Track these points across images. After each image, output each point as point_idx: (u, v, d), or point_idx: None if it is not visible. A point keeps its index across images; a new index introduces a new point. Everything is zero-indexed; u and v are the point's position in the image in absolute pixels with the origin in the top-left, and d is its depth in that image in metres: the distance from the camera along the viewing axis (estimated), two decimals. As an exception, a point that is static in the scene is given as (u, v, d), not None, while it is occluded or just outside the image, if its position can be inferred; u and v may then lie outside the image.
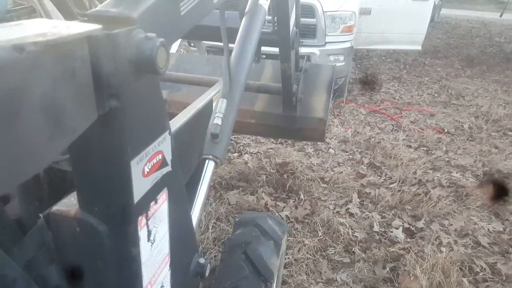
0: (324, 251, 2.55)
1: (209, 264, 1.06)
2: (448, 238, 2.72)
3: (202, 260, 1.04)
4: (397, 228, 2.79)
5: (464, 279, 2.31)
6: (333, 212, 2.92)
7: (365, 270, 2.40)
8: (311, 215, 2.88)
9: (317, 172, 3.48)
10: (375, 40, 5.74)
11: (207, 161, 1.15)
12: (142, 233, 0.78)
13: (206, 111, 1.46)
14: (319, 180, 3.34)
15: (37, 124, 0.48)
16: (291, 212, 2.88)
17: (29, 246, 0.83)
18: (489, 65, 7.38)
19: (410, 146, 4.08)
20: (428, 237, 2.71)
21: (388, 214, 2.95)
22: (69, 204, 0.77)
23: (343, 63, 4.68)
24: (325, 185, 3.28)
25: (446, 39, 9.69)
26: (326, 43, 4.56)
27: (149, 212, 0.79)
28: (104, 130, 0.64)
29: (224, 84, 1.26)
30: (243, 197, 2.99)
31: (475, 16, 13.31)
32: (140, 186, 0.73)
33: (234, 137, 4.01)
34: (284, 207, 2.95)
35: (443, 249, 2.57)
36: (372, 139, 4.18)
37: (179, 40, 4.94)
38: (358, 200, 3.11)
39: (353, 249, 2.57)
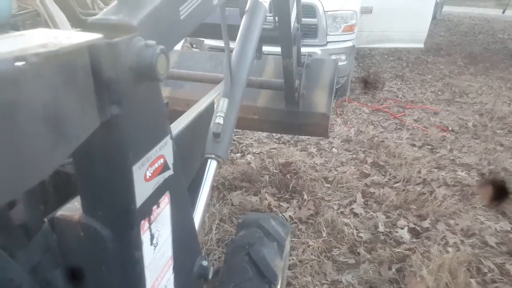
0: (328, 252, 2.52)
1: (212, 267, 1.04)
2: (454, 238, 2.68)
3: (205, 263, 1.03)
4: (402, 228, 2.76)
5: (472, 280, 2.27)
6: (337, 213, 2.90)
7: (370, 271, 2.37)
8: (315, 216, 2.85)
9: (321, 172, 3.46)
10: (377, 39, 5.71)
11: (209, 160, 1.14)
12: (145, 237, 0.78)
13: (208, 112, 1.45)
14: (322, 180, 3.31)
15: (39, 133, 0.49)
16: (295, 212, 2.86)
17: (34, 250, 0.84)
18: (492, 62, 7.33)
19: (414, 145, 4.05)
20: (434, 237, 2.67)
21: (393, 214, 2.92)
22: (73, 208, 0.78)
23: (345, 62, 4.66)
24: (329, 185, 3.26)
25: (449, 37, 9.64)
26: (327, 42, 4.53)
27: (151, 216, 0.79)
28: (106, 136, 0.65)
29: (225, 83, 1.25)
30: (246, 198, 2.97)
31: (477, 13, 13.24)
32: (142, 190, 0.74)
33: (237, 137, 3.99)
34: (288, 207, 2.92)
35: (450, 249, 2.54)
36: (376, 138, 4.15)
37: (182, 41, 4.95)
38: (362, 200, 3.08)
39: (358, 250, 2.54)
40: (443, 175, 3.43)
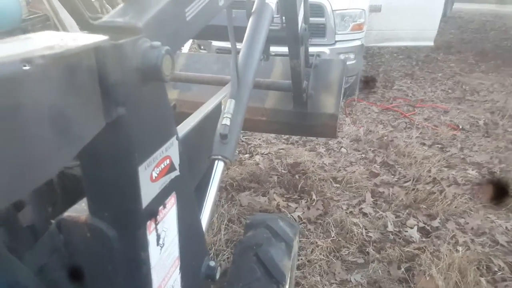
0: (337, 252, 2.52)
1: (219, 267, 1.05)
2: (464, 237, 2.66)
3: (212, 263, 1.04)
4: (411, 228, 2.75)
5: (482, 279, 2.25)
6: (346, 212, 2.89)
7: (379, 271, 2.37)
8: (324, 216, 2.85)
9: (329, 172, 3.45)
10: (386, 37, 5.67)
11: (216, 161, 1.16)
12: (151, 238, 0.78)
13: (215, 114, 1.47)
14: (331, 180, 3.31)
15: (45, 134, 0.49)
16: (303, 212, 2.86)
17: (41, 252, 0.85)
18: (504, 59, 7.20)
19: (424, 144, 4.02)
20: (444, 236, 2.66)
21: (403, 214, 2.90)
22: (79, 210, 0.78)
23: (354, 61, 4.64)
24: (338, 185, 3.25)
25: (459, 34, 9.51)
26: (336, 41, 4.52)
27: (157, 216, 0.79)
28: (112, 137, 0.65)
29: (232, 84, 1.26)
30: (254, 198, 2.99)
31: (489, 9, 13.02)
32: (148, 191, 0.74)
33: (245, 138, 4.01)
34: (296, 207, 2.93)
35: (460, 248, 2.52)
36: (385, 138, 4.12)
37: (190, 42, 4.98)
38: (372, 199, 3.07)
39: (367, 250, 2.54)
40: (453, 174, 3.40)
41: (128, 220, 0.74)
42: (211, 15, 1.03)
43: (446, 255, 2.40)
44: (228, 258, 2.40)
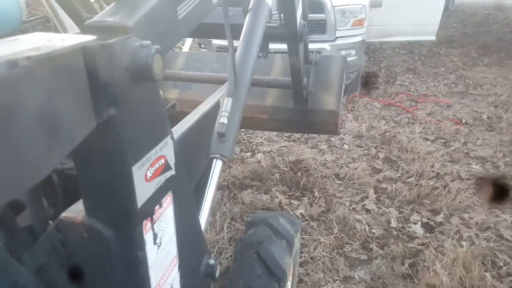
0: (340, 249, 2.51)
1: (219, 265, 1.05)
2: (469, 232, 2.64)
3: (212, 261, 1.04)
4: (415, 223, 2.74)
5: (487, 274, 2.24)
6: (349, 209, 2.88)
7: (383, 267, 2.36)
8: (327, 213, 2.84)
9: (332, 168, 3.44)
10: (388, 33, 5.64)
11: (214, 160, 1.15)
12: (148, 237, 0.78)
13: (213, 112, 1.46)
14: (333, 176, 3.30)
15: (34, 136, 0.49)
16: (306, 210, 2.86)
17: (39, 252, 0.85)
18: (507, 52, 7.14)
19: (427, 139, 3.99)
20: (448, 232, 2.64)
21: (406, 209, 2.89)
22: (76, 210, 0.78)
23: (355, 57, 4.62)
24: (340, 182, 3.24)
25: (462, 28, 9.43)
26: (336, 38, 4.50)
27: (154, 216, 0.79)
28: (104, 137, 0.65)
29: (229, 82, 1.25)
30: (257, 196, 2.99)
31: (492, 2, 12.89)
32: (143, 190, 0.74)
33: (247, 136, 4.01)
34: (299, 205, 2.92)
35: (464, 243, 2.50)
36: (388, 133, 4.10)
37: (190, 41, 4.97)
38: (375, 195, 3.06)
39: (370, 246, 2.53)
40: (457, 169, 3.38)
41: (124, 219, 0.74)
42: (205, 13, 1.02)
43: (450, 251, 2.39)
44: (231, 256, 2.40)
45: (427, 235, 2.63)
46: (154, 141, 0.76)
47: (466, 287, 2.16)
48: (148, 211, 0.77)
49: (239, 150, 3.75)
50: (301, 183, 3.14)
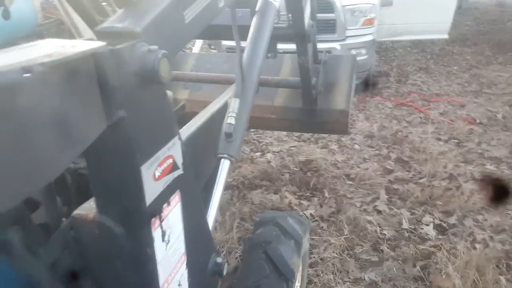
0: (351, 250, 2.49)
1: (226, 264, 1.06)
2: (483, 234, 2.59)
3: (219, 259, 1.05)
4: (427, 225, 2.69)
5: (502, 277, 2.19)
6: (359, 210, 2.85)
7: (394, 269, 2.33)
8: (337, 213, 2.82)
9: (342, 169, 3.42)
10: (399, 31, 5.57)
11: (222, 160, 1.16)
12: (156, 234, 0.81)
13: (222, 113, 1.47)
14: (344, 177, 3.27)
15: (48, 138, 0.52)
16: (316, 210, 2.84)
17: (53, 248, 0.88)
18: (523, 50, 6.99)
19: (439, 139, 3.93)
20: (461, 234, 2.59)
21: (418, 211, 2.85)
22: (88, 208, 0.81)
23: (366, 57, 4.59)
24: (351, 182, 3.21)
25: (475, 26, 9.27)
26: (346, 37, 4.47)
27: (162, 213, 0.82)
28: (115, 138, 0.68)
29: (237, 83, 1.27)
30: (266, 197, 2.98)
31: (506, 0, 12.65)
32: (151, 189, 0.76)
33: (257, 136, 4.01)
34: (309, 205, 2.91)
35: (478, 245, 2.45)
36: (399, 133, 4.06)
37: (201, 42, 5.00)
38: (386, 196, 3.02)
39: (381, 247, 2.50)
40: (470, 170, 3.32)
41: (133, 217, 0.76)
42: (211, 16, 1.05)
43: (463, 253, 2.35)
44: (240, 256, 2.39)
45: (440, 237, 2.59)
46: (162, 141, 0.79)
47: (479, 290, 2.12)
48: (157, 209, 0.79)
49: (249, 150, 3.75)
50: (311, 184, 3.13)
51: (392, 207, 2.90)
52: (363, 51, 4.53)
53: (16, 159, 0.48)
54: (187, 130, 1.29)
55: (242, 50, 1.31)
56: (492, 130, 4.12)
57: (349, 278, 2.29)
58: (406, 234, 2.62)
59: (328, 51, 2.51)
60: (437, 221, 2.73)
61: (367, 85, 5.07)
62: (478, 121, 4.31)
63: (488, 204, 2.86)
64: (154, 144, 0.77)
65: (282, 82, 2.33)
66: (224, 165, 1.17)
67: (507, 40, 7.79)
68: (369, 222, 2.70)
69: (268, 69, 2.33)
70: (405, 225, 2.69)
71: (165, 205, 0.82)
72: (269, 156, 3.63)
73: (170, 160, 0.82)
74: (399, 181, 3.23)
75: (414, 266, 2.34)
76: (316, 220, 2.75)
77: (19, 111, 0.47)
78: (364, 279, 2.28)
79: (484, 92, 5.20)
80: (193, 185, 0.96)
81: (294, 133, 4.05)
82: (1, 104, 0.45)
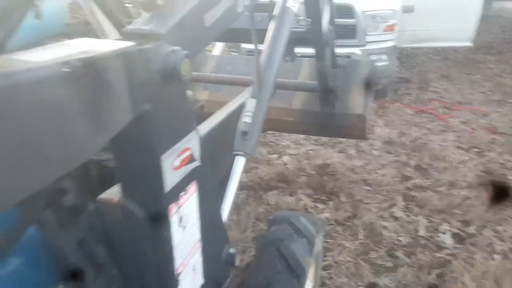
0: (365, 255, 2.48)
1: (238, 255, 1.10)
2: (502, 245, 2.53)
3: (232, 250, 1.10)
4: (444, 233, 2.65)
5: (520, 289, 2.14)
6: (376, 215, 2.84)
7: (409, 276, 2.30)
8: (353, 218, 2.81)
9: (359, 174, 3.40)
10: (421, 38, 5.50)
11: (237, 157, 1.20)
12: (174, 219, 0.87)
13: (238, 113, 1.52)
14: (361, 182, 3.26)
15: (82, 123, 0.59)
16: (331, 214, 2.84)
17: (80, 227, 0.97)
18: (550, 60, 6.79)
19: (460, 148, 3.86)
20: (479, 244, 2.54)
21: (435, 219, 2.81)
22: (112, 193, 0.89)
23: (387, 63, 4.56)
24: (368, 188, 3.20)
25: (501, 34, 9.05)
26: (367, 42, 4.46)
27: (179, 201, 0.88)
28: (139, 129, 0.74)
29: (254, 84, 1.31)
30: (282, 198, 3.00)
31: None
32: (170, 177, 0.83)
33: (274, 139, 4.03)
34: (324, 209, 2.91)
35: (496, 256, 2.40)
36: (419, 140, 4.00)
37: (222, 45, 5.09)
38: (403, 203, 2.99)
39: (396, 254, 2.47)
40: (491, 179, 3.25)
41: (153, 202, 0.83)
42: (230, 20, 1.12)
43: (480, 263, 2.30)
44: (254, 254, 2.42)
45: (457, 245, 2.54)
46: (181, 134, 0.86)
47: (496, 301, 2.08)
48: (175, 196, 0.86)
49: (266, 152, 3.78)
50: (327, 187, 3.13)
51: (409, 214, 2.87)
52: (384, 57, 4.51)
53: (57, 141, 0.54)
54: (205, 128, 1.34)
55: (260, 53, 1.36)
56: (515, 140, 4.01)
57: (363, 282, 2.28)
58: (422, 242, 2.59)
59: (348, 56, 2.52)
60: (455, 230, 2.68)
61: (388, 91, 5.03)
62: (501, 131, 4.21)
63: (508, 215, 2.79)
64: (174, 136, 0.83)
65: (300, 85, 2.35)
66: (239, 162, 1.21)
67: (534, 49, 7.58)
68: (385, 228, 2.68)
69: (287, 72, 2.37)
70: (422, 232, 2.66)
71: (182, 193, 0.88)
72: (286, 158, 3.65)
73: (188, 152, 0.88)
74: (417, 188, 3.19)
75: (430, 273, 2.31)
76: (332, 224, 2.75)
77: (59, 100, 0.54)
78: (378, 284, 2.26)
79: (508, 101, 5.07)
80: (209, 178, 1.01)
81: (311, 136, 4.06)
82: (44, 93, 0.51)
